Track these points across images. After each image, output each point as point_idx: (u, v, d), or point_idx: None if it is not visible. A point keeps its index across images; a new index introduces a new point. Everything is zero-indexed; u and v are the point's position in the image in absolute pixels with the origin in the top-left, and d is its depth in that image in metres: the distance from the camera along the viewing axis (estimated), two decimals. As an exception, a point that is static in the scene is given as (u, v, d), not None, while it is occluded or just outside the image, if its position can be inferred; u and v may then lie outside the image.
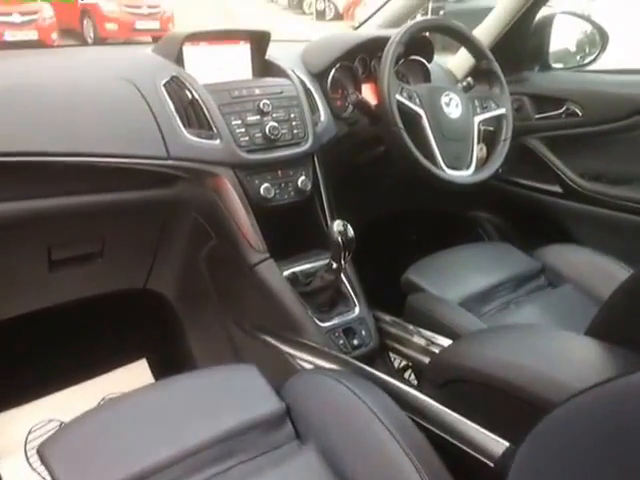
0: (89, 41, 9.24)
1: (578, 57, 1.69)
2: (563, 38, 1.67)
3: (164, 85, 1.12)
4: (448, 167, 1.26)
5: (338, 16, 13.65)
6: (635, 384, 0.48)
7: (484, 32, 1.60)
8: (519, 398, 0.79)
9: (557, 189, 1.57)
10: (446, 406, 0.86)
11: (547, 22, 1.60)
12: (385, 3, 1.66)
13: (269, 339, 1.20)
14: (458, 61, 1.68)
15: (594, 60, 1.63)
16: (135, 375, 1.62)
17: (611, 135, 1.45)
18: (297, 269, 1.21)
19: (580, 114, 1.49)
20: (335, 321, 1.18)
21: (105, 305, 1.45)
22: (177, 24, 9.79)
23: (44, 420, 1.42)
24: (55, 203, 1.06)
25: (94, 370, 1.56)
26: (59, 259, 1.22)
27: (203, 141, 1.11)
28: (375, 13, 1.65)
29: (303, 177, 1.24)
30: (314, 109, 1.30)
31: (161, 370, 1.62)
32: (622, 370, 0.75)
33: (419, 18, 1.36)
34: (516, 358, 0.85)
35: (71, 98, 1.06)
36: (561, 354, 0.85)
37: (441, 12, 7.81)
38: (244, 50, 1.29)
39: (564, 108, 1.53)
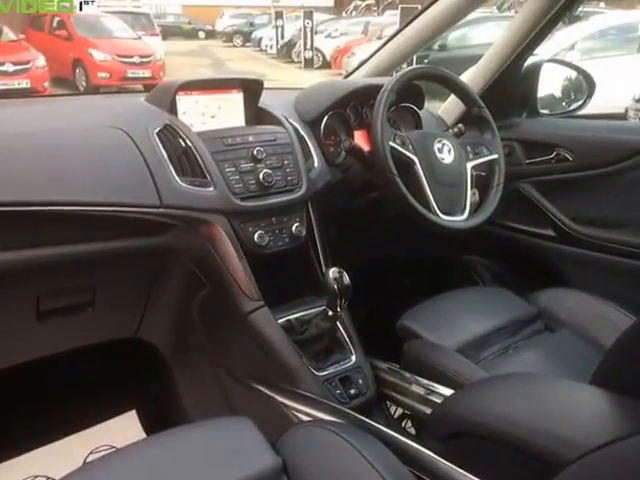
0: (81, 89, 9.43)
1: (564, 103, 1.72)
2: (550, 85, 1.70)
3: (157, 133, 1.13)
4: (442, 213, 1.26)
5: (326, 64, 14.02)
6: None
7: (473, 79, 1.63)
8: (526, 454, 0.76)
9: (550, 233, 1.57)
10: (449, 460, 0.83)
11: (535, 69, 1.63)
12: (374, 53, 1.69)
13: (264, 389, 1.17)
14: (448, 108, 1.71)
15: (582, 106, 1.66)
16: (124, 427, 1.57)
17: (602, 179, 1.46)
18: (292, 317, 1.19)
19: (571, 159, 1.51)
20: (331, 370, 1.16)
21: (94, 355, 1.42)
22: (168, 73, 10.00)
23: (31, 476, 1.37)
24: (43, 253, 1.04)
25: (82, 422, 1.52)
26: (48, 309, 1.19)
27: (196, 189, 1.11)
28: (366, 61, 1.68)
29: (297, 223, 1.23)
30: (307, 156, 1.30)
31: (151, 422, 1.57)
32: (635, 423, 0.73)
33: (409, 67, 1.38)
34: (522, 411, 0.82)
35: (60, 146, 1.06)
36: (568, 406, 0.83)
37: (425, 61, 8.05)
38: (237, 98, 1.30)
39: (554, 153, 1.54)
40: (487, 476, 0.78)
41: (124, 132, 1.10)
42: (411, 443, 0.88)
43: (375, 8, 21.00)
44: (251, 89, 1.30)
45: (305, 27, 14.20)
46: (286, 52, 15.89)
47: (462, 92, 1.42)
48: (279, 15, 16.59)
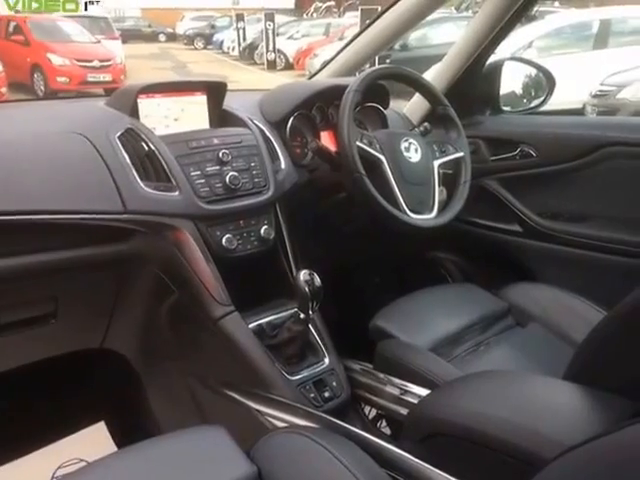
0: (40, 94, 9.22)
1: (526, 100, 1.74)
2: (512, 83, 1.72)
3: (118, 137, 1.09)
4: (411, 211, 1.26)
5: (289, 66, 14.04)
6: (630, 436, 0.46)
7: (437, 78, 1.64)
8: (505, 453, 0.76)
9: (516, 228, 1.59)
10: (426, 461, 0.83)
11: (496, 68, 1.65)
12: (338, 53, 1.69)
13: (236, 396, 1.15)
14: (413, 107, 1.71)
15: (543, 102, 1.68)
16: (93, 439, 1.53)
17: (565, 174, 1.48)
18: (263, 321, 1.17)
19: (534, 155, 1.53)
20: (305, 374, 1.14)
21: (59, 366, 1.37)
22: (129, 77, 9.85)
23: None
24: (1, 264, 1.00)
25: (50, 436, 1.47)
26: (8, 322, 1.15)
27: (161, 193, 1.08)
28: (330, 62, 1.68)
29: (266, 226, 1.22)
30: (274, 157, 1.28)
31: (121, 433, 1.53)
32: (610, 418, 0.73)
33: (373, 67, 1.38)
34: (498, 410, 0.82)
35: (17, 154, 1.01)
36: (544, 403, 0.83)
37: (387, 60, 8.12)
38: (201, 101, 1.28)
39: (518, 150, 1.56)
40: (465, 476, 0.78)
41: (84, 137, 1.07)
42: (388, 445, 0.87)
43: (335, 10, 21.09)
44: (215, 91, 1.28)
45: (267, 29, 14.18)
46: (248, 54, 15.84)
47: (427, 91, 1.42)
48: (240, 17, 16.51)
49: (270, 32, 14.21)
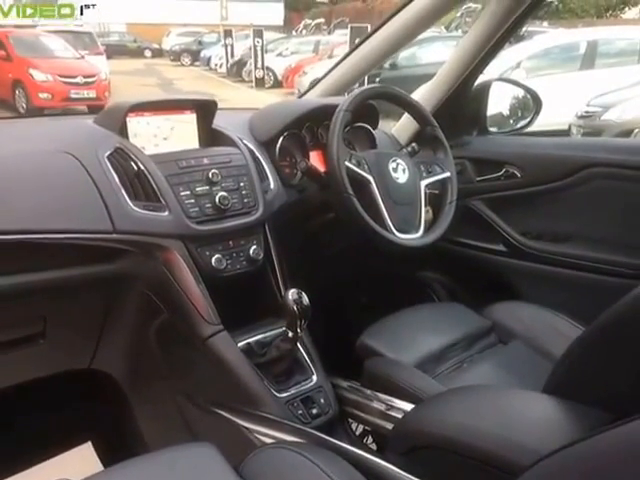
0: (21, 111, 9.14)
1: (512, 121, 1.78)
2: (500, 103, 1.76)
3: (108, 157, 1.10)
4: (398, 231, 1.28)
5: (277, 83, 14.11)
6: (601, 444, 0.48)
7: (426, 99, 1.67)
8: (486, 463, 0.78)
9: (501, 248, 1.62)
10: (412, 474, 0.84)
11: (484, 89, 1.68)
12: (328, 72, 1.71)
13: (225, 414, 1.15)
14: (402, 127, 1.74)
15: (529, 123, 1.72)
16: (80, 460, 1.51)
17: (549, 195, 1.51)
18: (252, 340, 1.18)
19: (519, 176, 1.56)
20: (293, 391, 1.15)
21: (46, 387, 1.36)
22: (114, 93, 9.82)
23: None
24: None
25: (36, 456, 1.45)
26: None
27: (151, 213, 1.09)
28: (319, 81, 1.70)
29: (255, 246, 1.23)
30: (263, 177, 1.30)
31: (108, 453, 1.52)
32: (585, 429, 0.75)
33: (363, 86, 1.40)
34: (479, 422, 0.84)
35: (5, 173, 1.02)
36: (523, 415, 0.86)
37: (377, 79, 8.21)
38: (190, 119, 1.29)
39: (503, 170, 1.59)
40: None
41: (73, 156, 1.07)
42: (374, 459, 0.89)
43: (325, 27, 21.32)
44: (204, 110, 1.29)
45: (255, 46, 14.27)
46: (236, 71, 15.92)
47: (416, 111, 1.44)
48: (228, 33, 16.58)
49: (259, 49, 14.29)
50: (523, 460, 0.70)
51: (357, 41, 1.69)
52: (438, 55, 8.54)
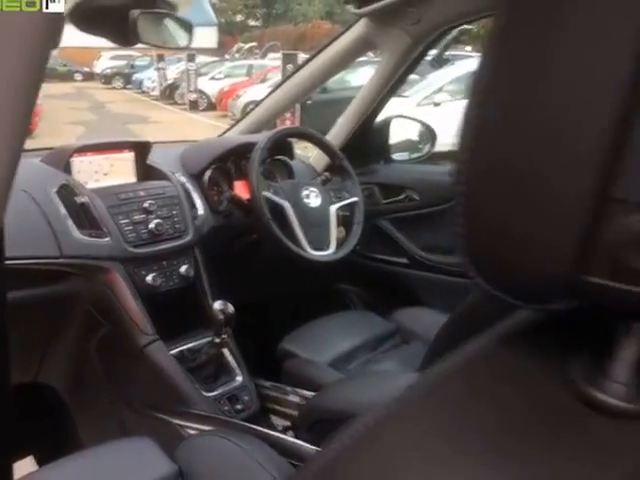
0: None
1: (412, 151, 2.03)
2: (403, 135, 2.02)
3: (56, 192, 1.26)
4: (313, 249, 1.49)
5: (211, 106, 14.18)
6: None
7: (337, 134, 1.91)
8: None
9: (405, 261, 1.86)
10: (315, 445, 1.03)
11: (385, 124, 1.94)
12: (254, 108, 1.93)
13: (160, 415, 1.31)
14: (317, 157, 1.97)
15: (427, 153, 1.98)
16: (20, 474, 1.58)
17: (441, 214, 1.77)
18: (184, 347, 1.36)
19: (418, 198, 1.82)
20: (220, 390, 1.34)
21: None
22: (44, 118, 9.64)
23: None
24: None
25: None
26: None
27: (94, 240, 1.26)
28: (242, 119, 1.92)
29: (186, 265, 1.41)
30: (193, 206, 1.49)
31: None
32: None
33: (280, 127, 1.63)
34: (361, 396, 1.05)
35: None
36: (394, 387, 1.07)
37: (308, 102, 8.52)
38: (128, 157, 1.47)
39: (405, 194, 1.85)
40: None
41: (26, 193, 1.23)
42: (287, 438, 1.08)
43: (257, 51, 21.63)
44: (140, 149, 1.47)
45: (188, 69, 14.36)
46: (169, 94, 15.91)
47: (325, 147, 1.69)
48: (161, 57, 16.60)
49: (192, 72, 14.39)
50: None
51: (290, 71, 1.90)
52: (366, 78, 8.87)
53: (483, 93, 0.33)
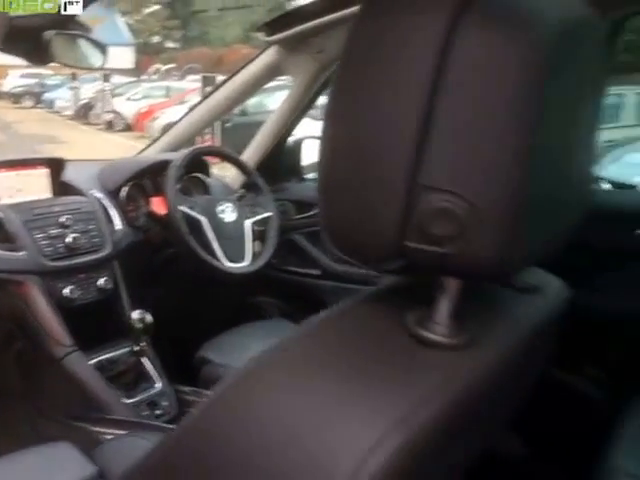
0: None
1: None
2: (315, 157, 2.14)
3: None
4: (229, 261, 1.57)
5: (127, 127, 13.91)
6: None
7: (251, 153, 2.00)
8: None
9: (317, 272, 1.97)
10: None
11: (297, 144, 2.06)
12: (175, 124, 2.00)
13: (80, 424, 1.33)
14: (234, 175, 2.05)
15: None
16: None
17: None
18: (103, 357, 1.40)
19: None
20: (139, 397, 1.39)
21: None
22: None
23: None
24: None
25: None
26: None
27: (9, 253, 1.28)
28: (159, 138, 1.98)
29: (104, 278, 1.45)
30: (110, 220, 1.53)
31: None
32: None
33: (195, 146, 1.70)
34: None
35: None
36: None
37: (227, 124, 8.62)
38: (43, 174, 1.49)
39: (316, 210, 1.96)
40: None
41: None
42: None
43: (176, 73, 21.47)
44: (55, 165, 1.50)
45: (104, 89, 14.06)
46: (84, 114, 15.47)
47: (240, 165, 1.79)
48: (74, 76, 16.12)
49: (107, 92, 14.09)
50: None
51: (206, 93, 1.99)
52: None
53: (329, 117, 0.48)
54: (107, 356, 1.41)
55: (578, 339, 1.53)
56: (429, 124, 0.43)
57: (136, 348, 1.33)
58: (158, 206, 1.72)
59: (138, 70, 24.80)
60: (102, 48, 1.30)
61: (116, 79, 15.58)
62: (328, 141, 0.49)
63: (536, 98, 0.43)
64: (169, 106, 12.41)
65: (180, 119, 1.99)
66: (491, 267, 0.47)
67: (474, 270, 0.47)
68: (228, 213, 1.65)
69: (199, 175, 1.87)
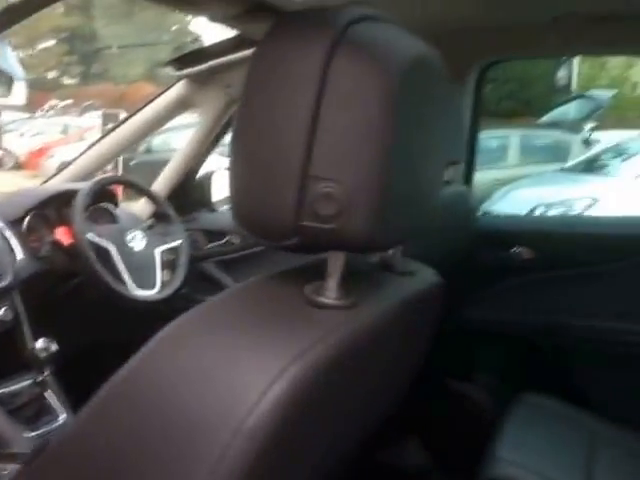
0: None
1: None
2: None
3: None
4: (138, 289, 1.56)
5: (18, 165, 13.17)
6: None
7: (162, 184, 2.02)
8: None
9: None
10: None
11: (207, 177, 2.10)
12: (79, 156, 1.97)
13: None
14: (143, 205, 2.05)
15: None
16: None
17: (260, 255, 1.96)
18: (4, 390, 1.33)
19: (238, 242, 1.99)
20: (42, 430, 1.32)
21: None
22: None
23: None
24: None
25: None
26: None
27: None
28: (70, 164, 1.95)
29: (4, 309, 1.39)
30: (10, 251, 1.48)
31: None
32: None
33: (103, 175, 1.70)
34: None
35: None
36: None
37: (131, 163, 8.46)
38: None
39: (226, 239, 2.01)
40: None
41: None
42: None
43: (74, 109, 20.77)
44: None
45: (-10, 125, 13.33)
46: (-32, 151, 14.51)
47: (149, 195, 1.80)
48: (-42, 111, 15.15)
49: (-5, 128, 13.37)
50: None
51: (109, 128, 1.99)
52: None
53: (238, 131, 0.65)
54: (8, 389, 1.34)
55: (469, 349, 1.67)
56: (315, 131, 0.58)
57: (39, 379, 1.28)
58: (63, 236, 1.69)
59: (32, 106, 23.70)
60: (7, 78, 1.28)
61: (8, 115, 14.79)
62: (237, 148, 0.64)
63: (392, 110, 0.59)
64: (67, 143, 11.99)
65: (81, 153, 1.97)
66: (365, 241, 0.62)
67: (353, 243, 0.62)
68: (137, 242, 1.65)
69: (106, 205, 1.85)
